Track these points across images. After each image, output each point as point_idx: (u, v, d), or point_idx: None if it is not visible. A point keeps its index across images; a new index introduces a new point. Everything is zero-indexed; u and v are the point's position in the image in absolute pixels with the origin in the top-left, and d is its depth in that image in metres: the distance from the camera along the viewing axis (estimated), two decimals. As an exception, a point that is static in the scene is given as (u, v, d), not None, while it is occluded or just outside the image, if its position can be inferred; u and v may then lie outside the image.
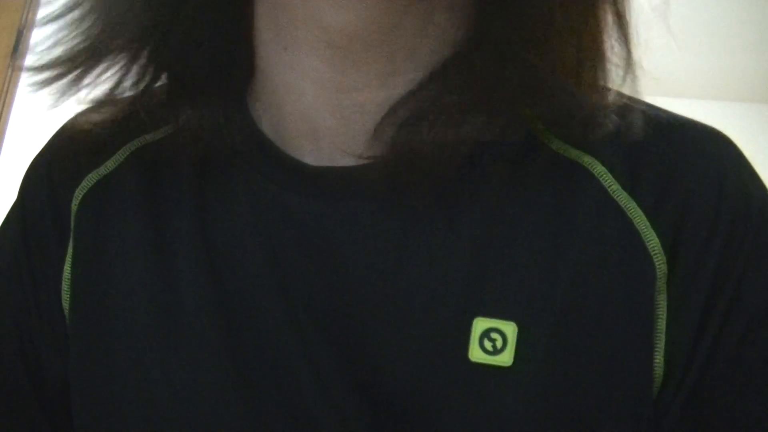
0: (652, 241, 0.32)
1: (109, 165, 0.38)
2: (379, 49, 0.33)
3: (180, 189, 0.36)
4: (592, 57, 0.34)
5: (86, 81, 0.36)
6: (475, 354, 0.31)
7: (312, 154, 0.35)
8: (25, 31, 1.82)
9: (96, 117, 0.39)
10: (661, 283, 0.31)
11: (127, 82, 0.37)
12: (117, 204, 0.37)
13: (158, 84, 0.38)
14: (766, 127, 2.81)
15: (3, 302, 0.39)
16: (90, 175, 0.38)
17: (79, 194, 0.38)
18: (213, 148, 0.36)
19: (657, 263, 0.31)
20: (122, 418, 0.34)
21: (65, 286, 0.37)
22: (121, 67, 0.36)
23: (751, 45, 2.42)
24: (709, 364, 0.31)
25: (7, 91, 1.79)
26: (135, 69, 0.36)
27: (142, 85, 0.37)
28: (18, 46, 1.80)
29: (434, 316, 0.32)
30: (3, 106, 1.78)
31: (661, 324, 0.31)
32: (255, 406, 0.32)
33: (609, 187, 0.33)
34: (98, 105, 0.38)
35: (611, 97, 0.34)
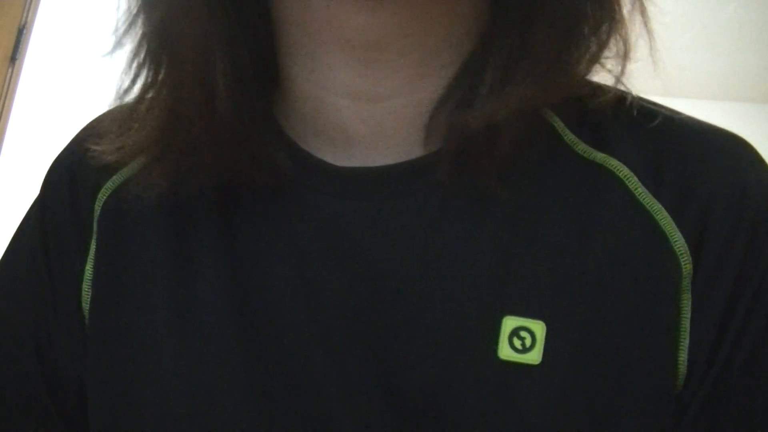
0: (678, 241, 0.32)
1: (133, 166, 0.38)
2: (408, 54, 0.34)
3: (203, 188, 0.36)
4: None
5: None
6: (505, 352, 0.32)
7: (341, 157, 0.36)
8: (25, 31, 1.82)
9: (119, 118, 0.39)
10: (686, 282, 0.32)
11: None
12: (140, 205, 0.37)
13: None
14: (766, 127, 2.81)
15: (21, 303, 0.39)
16: (114, 177, 0.38)
17: (102, 196, 0.38)
18: (240, 151, 0.36)
19: (683, 263, 0.32)
20: (138, 418, 0.34)
21: (86, 286, 0.37)
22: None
23: (751, 45, 2.42)
24: (730, 362, 0.31)
25: (7, 91, 1.79)
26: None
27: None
28: (18, 46, 1.80)
29: (462, 314, 0.32)
30: (3, 106, 1.78)
31: (686, 323, 0.32)
32: (274, 406, 0.32)
33: (634, 189, 0.33)
34: (121, 107, 0.38)
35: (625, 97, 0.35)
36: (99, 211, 0.38)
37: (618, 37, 0.35)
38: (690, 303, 0.32)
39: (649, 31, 0.35)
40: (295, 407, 0.32)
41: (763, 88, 2.87)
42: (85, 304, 0.37)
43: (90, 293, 0.37)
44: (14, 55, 1.80)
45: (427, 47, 0.34)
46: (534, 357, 0.31)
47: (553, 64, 0.33)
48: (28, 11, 1.83)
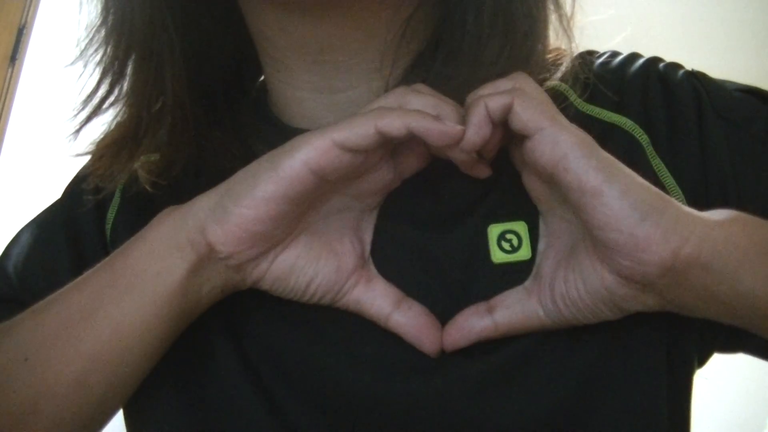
0: (627, 123, 0.37)
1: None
2: (357, 55, 0.37)
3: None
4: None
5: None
6: (497, 256, 0.35)
7: None
8: (25, 31, 1.82)
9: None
10: (650, 150, 0.36)
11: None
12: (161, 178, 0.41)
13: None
14: (766, 127, 2.80)
15: (56, 234, 0.43)
16: (142, 158, 0.41)
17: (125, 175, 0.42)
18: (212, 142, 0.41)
19: (637, 136, 0.37)
20: None
21: (108, 227, 0.42)
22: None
23: (752, 45, 2.42)
24: (725, 179, 0.35)
25: (7, 91, 1.79)
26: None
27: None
28: (18, 46, 1.80)
29: (457, 230, 0.36)
30: (3, 106, 1.78)
31: (670, 180, 0.35)
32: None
33: (574, 101, 0.38)
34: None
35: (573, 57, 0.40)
36: (122, 178, 0.41)
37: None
38: (664, 164, 0.36)
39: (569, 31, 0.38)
40: None
41: (763, 87, 2.87)
42: (109, 243, 0.42)
43: (110, 234, 0.42)
44: (14, 55, 1.80)
45: (375, 49, 0.37)
46: (524, 253, 0.35)
47: (492, 58, 0.35)
48: (28, 11, 1.83)
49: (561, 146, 0.29)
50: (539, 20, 0.36)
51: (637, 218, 0.28)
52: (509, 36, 0.35)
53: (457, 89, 0.34)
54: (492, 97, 0.30)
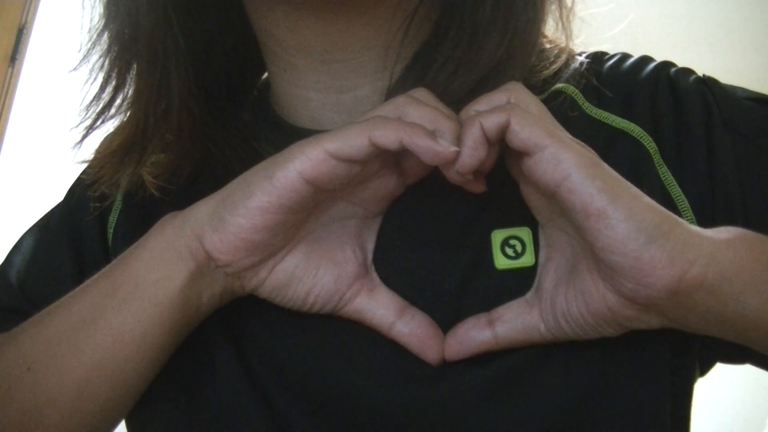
0: (634, 130, 0.36)
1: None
2: (365, 53, 0.37)
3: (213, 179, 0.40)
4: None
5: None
6: (500, 262, 0.34)
7: None
8: (25, 31, 1.82)
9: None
10: (657, 158, 0.36)
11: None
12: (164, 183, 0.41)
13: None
14: (766, 127, 2.80)
15: (58, 240, 0.43)
16: (152, 159, 0.41)
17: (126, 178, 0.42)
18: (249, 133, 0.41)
19: (645, 144, 0.36)
20: None
21: (110, 230, 0.42)
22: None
23: (751, 45, 2.42)
24: (730, 189, 0.35)
25: (7, 91, 1.79)
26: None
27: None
28: (18, 46, 1.80)
29: (458, 236, 0.35)
30: (3, 106, 1.78)
31: (676, 190, 0.35)
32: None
33: (582, 104, 0.37)
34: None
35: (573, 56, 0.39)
36: (125, 183, 0.41)
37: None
38: (671, 173, 0.35)
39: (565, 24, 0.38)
40: None
41: (763, 87, 2.87)
42: (111, 248, 0.42)
43: (112, 238, 0.42)
44: (14, 55, 1.79)
45: (381, 45, 0.37)
46: (528, 260, 0.34)
47: (493, 54, 0.35)
48: (28, 11, 1.83)
49: (563, 166, 0.28)
50: (540, 10, 0.36)
51: (642, 241, 0.27)
52: (509, 26, 0.35)
53: (456, 82, 0.34)
54: (487, 116, 0.29)
